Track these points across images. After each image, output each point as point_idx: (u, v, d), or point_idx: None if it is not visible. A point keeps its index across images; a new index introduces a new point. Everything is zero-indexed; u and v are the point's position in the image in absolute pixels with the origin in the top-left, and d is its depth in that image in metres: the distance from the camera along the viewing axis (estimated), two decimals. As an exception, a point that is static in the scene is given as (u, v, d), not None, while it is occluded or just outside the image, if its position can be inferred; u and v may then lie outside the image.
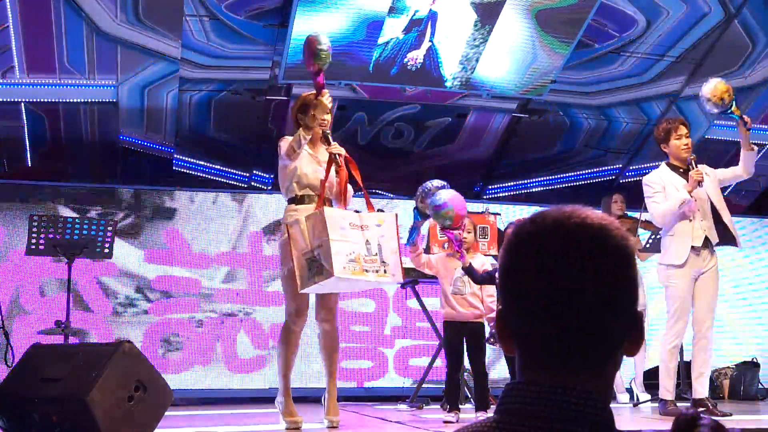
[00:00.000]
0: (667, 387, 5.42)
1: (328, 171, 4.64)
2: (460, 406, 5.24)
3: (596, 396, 1.11)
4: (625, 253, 1.16)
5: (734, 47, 8.22)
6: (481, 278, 4.94)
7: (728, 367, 7.93)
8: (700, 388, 5.39)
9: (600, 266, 1.13)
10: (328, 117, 4.80)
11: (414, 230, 5.00)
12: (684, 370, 6.22)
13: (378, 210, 4.93)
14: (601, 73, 8.47)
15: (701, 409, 5.18)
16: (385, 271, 4.42)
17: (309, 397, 6.53)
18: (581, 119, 8.89)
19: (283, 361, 4.76)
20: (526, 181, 9.29)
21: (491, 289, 4.98)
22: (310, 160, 4.75)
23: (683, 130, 5.56)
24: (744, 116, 5.51)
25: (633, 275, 1.17)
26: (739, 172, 5.61)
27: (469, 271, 4.82)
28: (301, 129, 4.64)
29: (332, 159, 4.65)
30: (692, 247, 5.36)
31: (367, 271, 4.36)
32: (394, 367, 7.48)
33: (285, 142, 4.74)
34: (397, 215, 4.71)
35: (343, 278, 4.31)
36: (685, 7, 7.88)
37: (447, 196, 4.67)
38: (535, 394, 1.11)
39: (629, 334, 1.16)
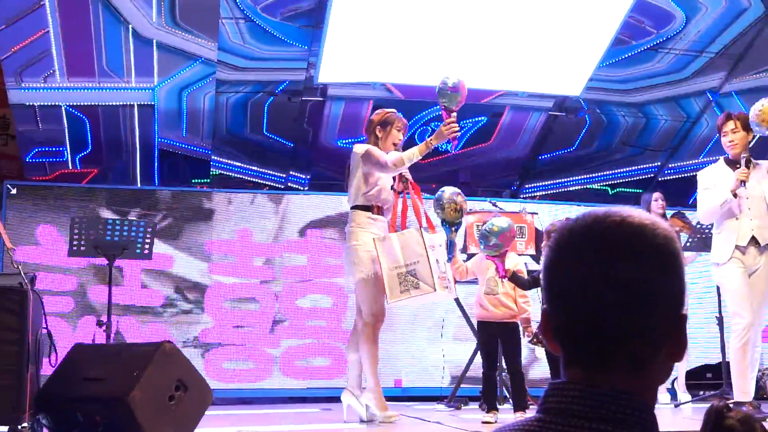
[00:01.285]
0: (741, 388, 5.20)
1: (403, 190, 5.08)
2: (499, 407, 5.22)
3: (637, 397, 1.10)
4: (666, 252, 1.15)
5: (775, 42, 8.11)
6: (527, 283, 4.94)
7: (770, 367, 7.80)
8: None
9: (639, 265, 1.12)
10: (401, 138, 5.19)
11: (450, 245, 5.01)
12: (727, 371, 6.13)
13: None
14: (638, 71, 8.39)
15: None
16: (447, 287, 4.78)
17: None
18: (619, 117, 8.81)
19: (373, 359, 4.96)
20: (562, 180, 9.23)
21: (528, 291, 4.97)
22: (388, 176, 5.06)
23: (730, 125, 5.40)
24: None
25: (674, 275, 1.15)
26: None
27: (514, 279, 4.85)
28: (418, 148, 4.89)
29: (405, 181, 5.07)
30: (737, 245, 5.25)
31: (445, 287, 4.76)
32: (431, 367, 7.47)
33: (375, 151, 4.98)
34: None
35: (436, 293, 4.74)
36: (724, 3, 7.78)
37: (457, 79, 4.85)
38: (576, 393, 1.11)
39: (671, 335, 1.14)
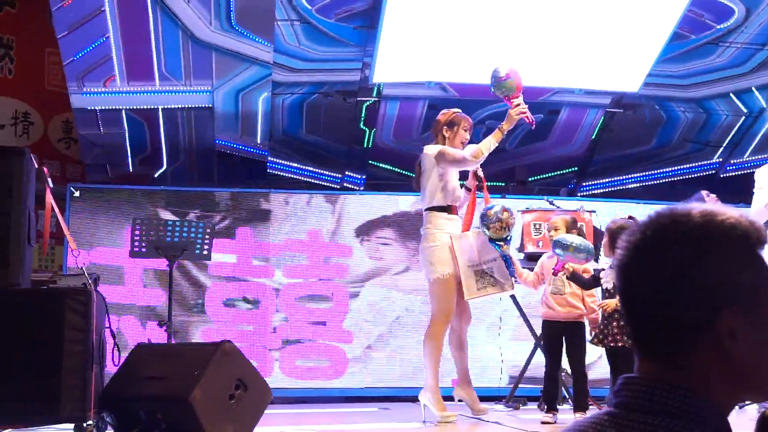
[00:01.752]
0: None
1: (476, 187, 5.24)
2: (558, 407, 5.17)
3: (702, 393, 1.09)
4: (744, 246, 1.14)
5: (840, 34, 7.89)
6: (587, 282, 4.90)
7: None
8: None
9: (720, 261, 1.12)
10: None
11: (507, 260, 4.99)
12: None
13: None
14: (698, 65, 8.24)
15: None
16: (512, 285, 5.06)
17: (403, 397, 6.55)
18: (678, 113, 8.66)
19: (434, 358, 5.12)
20: (621, 178, 9.10)
21: (594, 290, 4.92)
22: (456, 173, 5.22)
23: None
24: None
25: (753, 270, 1.13)
26: None
27: (574, 278, 4.82)
28: (493, 136, 5.11)
29: (477, 176, 5.25)
30: None
31: (513, 285, 5.08)
32: (489, 367, 7.43)
33: (448, 149, 5.16)
34: None
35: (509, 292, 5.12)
36: (787, -6, 7.61)
37: (507, 67, 4.99)
38: (641, 387, 1.12)
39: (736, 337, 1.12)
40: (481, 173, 5.25)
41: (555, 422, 4.76)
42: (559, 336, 4.90)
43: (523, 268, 5.37)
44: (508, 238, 4.95)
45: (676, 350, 1.12)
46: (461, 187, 5.30)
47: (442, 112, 5.45)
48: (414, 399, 5.50)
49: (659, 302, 1.12)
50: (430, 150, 5.21)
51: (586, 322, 5.03)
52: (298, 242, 7.38)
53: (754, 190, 5.38)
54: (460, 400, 5.36)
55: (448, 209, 5.11)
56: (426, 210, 5.19)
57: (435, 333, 5.09)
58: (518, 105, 4.98)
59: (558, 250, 4.78)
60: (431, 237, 5.09)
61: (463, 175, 5.46)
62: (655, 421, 1.08)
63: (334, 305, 7.31)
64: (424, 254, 5.16)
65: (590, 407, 5.97)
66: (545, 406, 4.98)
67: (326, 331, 7.25)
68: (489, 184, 8.63)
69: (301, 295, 7.30)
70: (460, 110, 5.43)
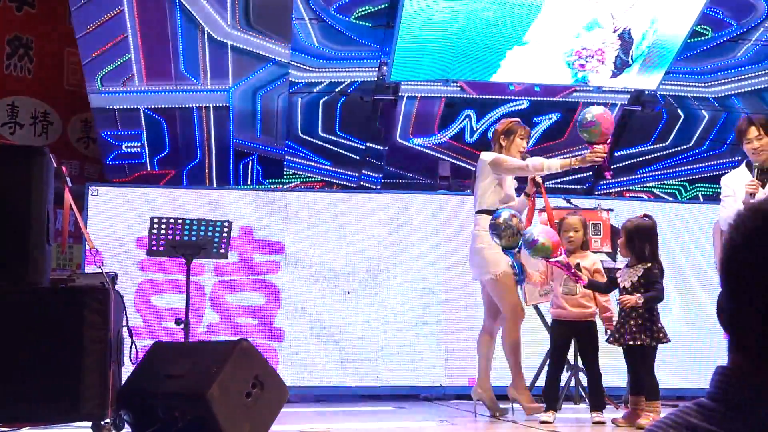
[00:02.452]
0: None
1: (534, 193, 5.40)
2: (563, 406, 5.18)
3: None
4: None
5: None
6: (605, 287, 4.88)
7: None
8: None
9: None
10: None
11: (519, 267, 5.02)
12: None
13: None
14: (717, 63, 8.19)
15: None
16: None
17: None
18: (697, 111, 8.62)
19: (515, 354, 5.21)
20: (639, 176, 9.06)
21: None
22: (512, 180, 5.40)
23: (753, 132, 5.17)
24: None
25: None
26: None
27: (591, 286, 4.80)
28: (560, 162, 5.24)
29: (535, 182, 5.34)
30: None
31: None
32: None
33: (503, 157, 5.28)
34: None
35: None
36: (808, -9, 7.55)
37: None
38: (733, 380, 1.11)
39: None
40: (539, 179, 5.34)
41: (554, 422, 4.74)
42: (568, 336, 4.88)
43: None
44: (519, 244, 4.93)
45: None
46: (522, 194, 5.44)
47: (500, 121, 5.62)
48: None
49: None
50: (486, 156, 5.35)
51: (599, 322, 5.01)
52: (308, 240, 7.38)
53: (722, 197, 5.36)
54: (478, 400, 5.37)
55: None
56: (477, 212, 5.33)
57: (510, 330, 5.18)
58: (597, 152, 4.97)
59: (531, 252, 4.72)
60: (479, 238, 5.21)
61: (522, 180, 5.56)
62: (728, 413, 1.07)
63: (350, 303, 7.32)
64: (472, 255, 5.33)
65: (608, 406, 5.97)
66: (544, 405, 4.95)
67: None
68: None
69: (321, 293, 7.31)
70: (518, 119, 5.57)
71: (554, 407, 4.88)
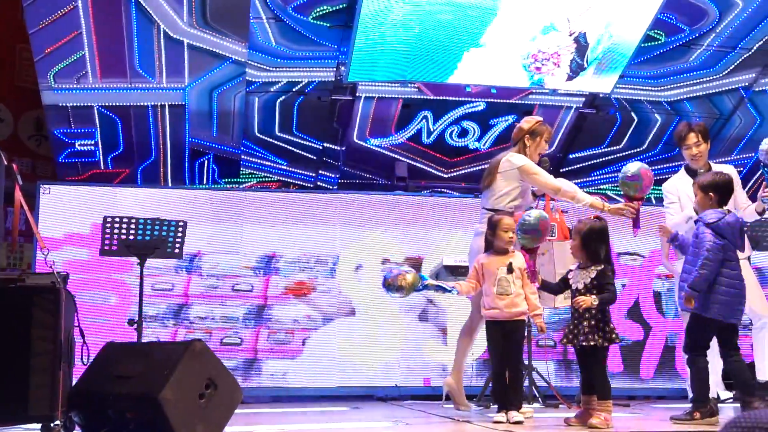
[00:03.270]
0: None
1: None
2: (529, 406, 5.20)
3: None
4: None
5: (810, 37, 8.00)
6: (557, 288, 4.90)
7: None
8: (764, 371, 5.31)
9: None
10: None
11: (438, 287, 5.00)
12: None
13: None
14: (670, 68, 8.32)
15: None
16: None
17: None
18: (650, 114, 8.74)
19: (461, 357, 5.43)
20: (593, 178, 9.17)
21: (534, 287, 4.92)
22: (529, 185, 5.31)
23: (692, 138, 5.36)
24: None
25: None
26: (739, 207, 5.40)
27: (544, 287, 4.83)
28: (591, 199, 5.15)
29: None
30: None
31: None
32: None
33: (534, 167, 5.21)
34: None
35: None
36: (758, -2, 7.70)
37: (638, 168, 4.90)
38: None
39: None
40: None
41: (507, 421, 4.75)
42: (503, 335, 4.87)
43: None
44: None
45: None
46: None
47: (526, 119, 5.46)
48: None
49: None
50: (517, 160, 5.21)
51: (532, 320, 5.02)
52: (263, 240, 7.36)
53: (666, 204, 5.46)
54: (448, 391, 5.40)
55: (510, 215, 5.11)
56: (487, 209, 5.23)
57: (465, 332, 5.32)
58: (630, 208, 4.95)
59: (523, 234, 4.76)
60: (478, 233, 5.16)
61: None
62: None
63: (307, 306, 7.30)
64: (478, 254, 5.16)
65: (560, 406, 6.02)
66: (498, 406, 4.96)
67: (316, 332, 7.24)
68: (464, 184, 8.72)
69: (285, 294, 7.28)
70: (542, 119, 5.46)
71: (506, 407, 4.89)
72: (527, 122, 5.39)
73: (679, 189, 5.43)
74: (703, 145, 5.36)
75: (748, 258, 5.47)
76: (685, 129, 5.45)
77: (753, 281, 5.47)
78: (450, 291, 4.92)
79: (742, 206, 5.45)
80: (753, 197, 5.46)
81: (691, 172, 5.41)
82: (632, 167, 4.93)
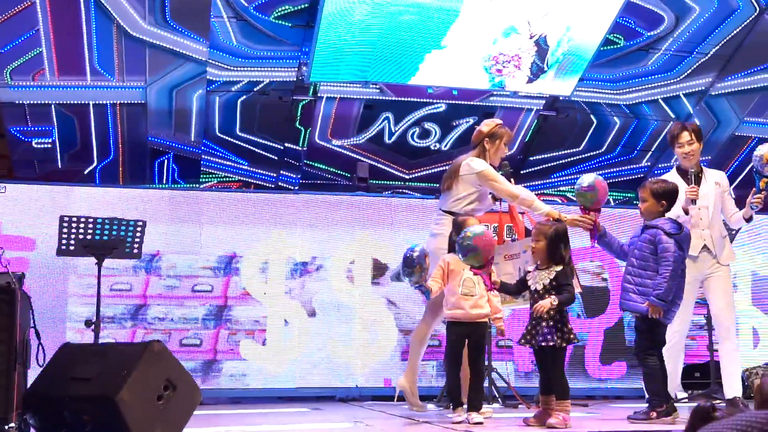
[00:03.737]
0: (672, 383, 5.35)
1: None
2: (489, 407, 5.23)
3: None
4: None
5: (764, 42, 8.13)
6: (515, 289, 4.93)
7: (759, 367, 7.86)
8: (730, 388, 5.35)
9: None
10: None
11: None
12: (716, 371, 6.17)
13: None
14: (629, 71, 8.42)
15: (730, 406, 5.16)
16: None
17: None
18: (609, 117, 8.84)
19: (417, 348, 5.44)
20: (553, 180, 9.26)
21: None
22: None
23: (685, 137, 5.44)
24: None
25: None
26: (727, 216, 5.53)
27: (502, 288, 4.86)
28: (546, 209, 5.13)
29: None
30: (689, 255, 5.31)
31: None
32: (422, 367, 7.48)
33: (493, 173, 5.20)
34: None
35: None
36: (714, 3, 7.82)
37: (593, 179, 4.92)
38: None
39: None
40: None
41: (463, 420, 4.77)
42: (464, 337, 4.89)
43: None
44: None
45: None
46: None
47: (485, 122, 5.44)
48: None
49: None
50: (476, 165, 5.21)
51: (492, 323, 5.04)
52: (222, 241, 7.31)
53: None
54: (401, 391, 5.40)
55: (473, 216, 5.15)
56: (444, 211, 5.24)
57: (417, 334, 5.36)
58: (585, 220, 4.95)
59: (461, 253, 4.74)
60: (441, 239, 5.14)
61: None
62: None
63: (257, 306, 7.28)
64: (432, 254, 5.17)
65: (519, 406, 6.06)
66: (452, 405, 4.97)
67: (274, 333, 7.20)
68: (424, 185, 8.74)
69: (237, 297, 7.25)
70: (501, 122, 5.44)
71: (461, 404, 4.91)
72: (487, 125, 5.39)
73: None
74: (695, 144, 5.45)
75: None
76: (678, 128, 5.54)
77: (729, 289, 5.53)
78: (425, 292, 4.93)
79: (729, 213, 5.53)
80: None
81: (682, 173, 5.49)
82: (587, 178, 4.95)
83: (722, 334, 5.39)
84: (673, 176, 5.55)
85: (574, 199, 5.25)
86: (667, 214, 5.14)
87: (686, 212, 5.30)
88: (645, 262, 4.90)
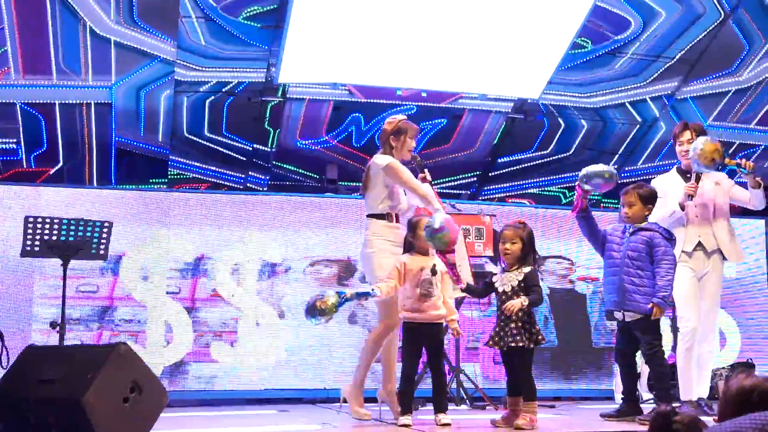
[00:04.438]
0: (685, 388, 5.36)
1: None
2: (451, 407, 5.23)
3: None
4: None
5: (729, 48, 8.24)
6: (481, 291, 4.95)
7: (724, 368, 7.96)
8: (699, 389, 5.41)
9: None
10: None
11: (360, 294, 4.97)
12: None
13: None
14: (596, 75, 8.49)
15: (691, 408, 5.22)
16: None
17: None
18: (576, 120, 8.91)
19: (371, 360, 5.26)
20: (521, 182, 9.31)
21: (452, 291, 4.96)
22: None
23: (686, 135, 5.53)
24: (741, 162, 5.32)
25: None
26: (747, 202, 5.61)
27: (468, 290, 4.88)
28: (432, 197, 5.11)
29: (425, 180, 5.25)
30: (683, 251, 5.39)
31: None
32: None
33: (399, 167, 5.15)
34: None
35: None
36: (680, 8, 7.91)
37: (442, 219, 4.76)
38: None
39: None
40: (429, 177, 5.30)
41: (411, 425, 4.75)
42: (421, 339, 4.88)
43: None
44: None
45: None
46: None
47: (388, 120, 5.40)
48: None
49: None
50: (380, 161, 5.18)
51: (447, 324, 5.05)
52: (190, 242, 7.27)
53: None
54: (383, 402, 5.34)
55: (387, 217, 5.13)
56: (367, 216, 5.23)
57: (376, 341, 5.19)
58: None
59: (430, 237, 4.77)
60: (370, 243, 5.12)
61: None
62: None
63: (234, 308, 7.24)
64: (363, 260, 5.23)
65: (486, 407, 6.09)
66: (399, 408, 4.93)
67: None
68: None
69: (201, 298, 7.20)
70: (405, 117, 5.41)
71: (411, 410, 4.89)
72: (389, 123, 5.35)
73: (668, 186, 5.57)
74: None
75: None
76: (681, 126, 5.65)
77: (719, 292, 5.59)
78: (372, 294, 4.87)
79: (746, 199, 5.58)
80: None
81: (682, 172, 5.59)
82: (435, 221, 4.78)
83: (702, 335, 5.44)
84: (672, 175, 5.64)
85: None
86: (663, 210, 5.26)
87: (682, 208, 5.36)
88: (642, 263, 5.00)
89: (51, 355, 4.07)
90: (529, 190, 9.29)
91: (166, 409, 3.95)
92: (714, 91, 8.66)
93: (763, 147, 9.02)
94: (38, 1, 7.01)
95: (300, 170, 8.76)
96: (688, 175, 5.46)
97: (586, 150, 9.15)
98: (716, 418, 1.94)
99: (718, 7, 7.89)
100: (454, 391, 6.34)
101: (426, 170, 5.37)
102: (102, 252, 5.76)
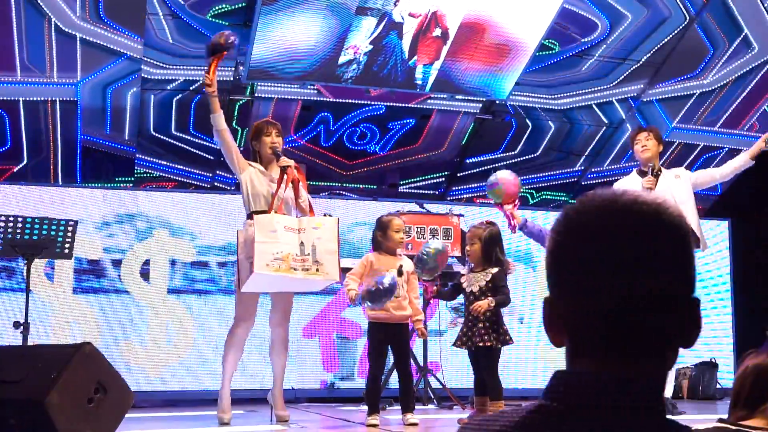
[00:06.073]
0: None
1: (279, 184, 5.00)
2: (423, 407, 5.24)
3: (652, 384, 1.03)
4: (682, 230, 1.08)
5: (694, 51, 8.34)
6: (449, 294, 4.97)
7: (687, 368, 8.05)
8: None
9: (657, 243, 1.05)
10: (279, 140, 5.25)
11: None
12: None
13: (325, 215, 5.05)
14: (563, 76, 8.54)
15: None
16: (317, 270, 4.70)
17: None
18: (544, 122, 8.96)
19: (225, 361, 5.16)
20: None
21: (419, 290, 4.98)
22: (263, 180, 5.12)
23: (641, 134, 5.87)
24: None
25: (690, 254, 1.08)
26: (716, 176, 5.91)
27: (438, 294, 4.90)
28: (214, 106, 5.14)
29: (283, 171, 5.00)
30: None
31: (294, 269, 4.67)
32: (357, 368, 7.49)
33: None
34: (338, 219, 5.02)
35: (264, 274, 4.66)
36: (646, 11, 7.98)
37: (501, 175, 5.04)
38: (587, 383, 1.03)
39: (688, 319, 1.07)
40: (286, 163, 5.04)
41: (378, 425, 4.77)
42: (388, 338, 4.89)
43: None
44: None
45: (659, 345, 1.06)
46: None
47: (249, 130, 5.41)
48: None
49: (648, 299, 1.03)
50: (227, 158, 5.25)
51: (413, 324, 5.07)
52: (154, 241, 7.22)
53: None
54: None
55: (249, 216, 5.09)
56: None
57: (228, 338, 5.15)
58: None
59: (419, 267, 4.83)
60: (241, 236, 5.08)
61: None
62: (568, 415, 1.03)
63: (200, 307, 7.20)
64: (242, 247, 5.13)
65: (454, 407, 6.11)
66: (368, 408, 4.93)
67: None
68: (362, 186, 8.75)
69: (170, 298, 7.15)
70: (268, 119, 5.43)
71: (377, 410, 4.90)
72: (251, 130, 5.45)
73: (628, 186, 5.66)
74: (651, 141, 5.78)
75: None
76: (636, 129, 6.06)
77: None
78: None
79: (718, 173, 5.99)
80: None
81: (641, 173, 5.85)
82: (492, 177, 5.18)
83: None
84: (633, 177, 5.84)
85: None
86: None
87: None
88: None
89: (14, 355, 4.01)
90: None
91: (131, 409, 3.92)
92: (679, 94, 8.75)
93: (727, 149, 9.13)
94: (2, -3, 6.92)
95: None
96: (647, 172, 5.71)
97: (554, 151, 9.21)
98: (730, 402, 1.99)
99: (684, 10, 7.98)
100: (421, 391, 6.35)
101: (280, 157, 5.20)
102: (67, 251, 5.69)
